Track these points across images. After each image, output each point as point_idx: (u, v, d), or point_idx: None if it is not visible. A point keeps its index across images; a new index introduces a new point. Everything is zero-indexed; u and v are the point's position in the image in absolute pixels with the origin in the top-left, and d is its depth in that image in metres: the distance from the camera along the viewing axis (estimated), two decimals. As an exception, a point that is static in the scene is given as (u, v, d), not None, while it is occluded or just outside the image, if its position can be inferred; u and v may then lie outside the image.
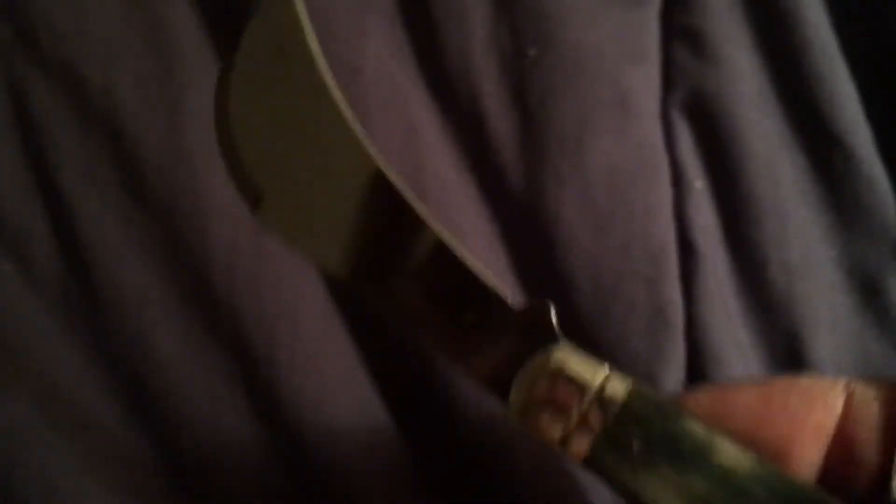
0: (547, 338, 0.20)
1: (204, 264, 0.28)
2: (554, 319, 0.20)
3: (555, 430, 0.19)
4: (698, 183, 0.29)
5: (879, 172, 0.29)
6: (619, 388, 0.19)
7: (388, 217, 0.21)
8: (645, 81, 0.30)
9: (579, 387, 0.19)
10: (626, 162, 0.28)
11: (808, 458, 0.18)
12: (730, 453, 0.18)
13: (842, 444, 0.18)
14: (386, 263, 0.21)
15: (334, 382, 0.27)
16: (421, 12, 0.30)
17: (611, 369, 0.20)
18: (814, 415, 0.18)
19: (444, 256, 0.21)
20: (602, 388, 0.19)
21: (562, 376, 0.19)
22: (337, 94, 0.21)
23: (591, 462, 0.19)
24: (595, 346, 0.27)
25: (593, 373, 0.19)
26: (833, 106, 0.29)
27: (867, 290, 0.29)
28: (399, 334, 0.28)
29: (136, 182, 0.28)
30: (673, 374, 0.27)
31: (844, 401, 0.18)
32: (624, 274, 0.28)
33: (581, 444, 0.19)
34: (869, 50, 0.31)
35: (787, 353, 0.29)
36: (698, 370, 0.28)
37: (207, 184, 0.28)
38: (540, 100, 0.29)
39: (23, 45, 0.29)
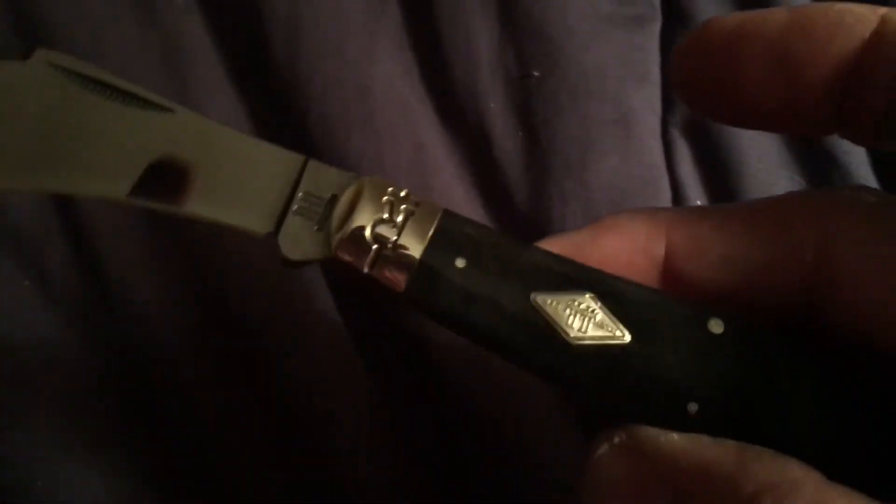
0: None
1: (219, 280, 0.28)
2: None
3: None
4: (698, 201, 0.30)
5: None
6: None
7: None
8: (646, 101, 0.30)
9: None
10: (629, 180, 0.29)
11: (819, 80, 0.18)
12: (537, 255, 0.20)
13: (859, 75, 0.17)
14: None
15: (343, 395, 0.28)
16: (428, 35, 0.31)
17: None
18: (836, 42, 0.17)
19: None
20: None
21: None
22: None
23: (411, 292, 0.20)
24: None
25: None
26: None
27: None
28: (403, 349, 0.29)
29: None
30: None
31: (875, 30, 0.17)
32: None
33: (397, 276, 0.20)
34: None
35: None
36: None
37: None
38: (544, 119, 0.29)
39: None
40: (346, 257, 0.20)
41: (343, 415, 0.27)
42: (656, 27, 0.31)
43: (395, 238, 0.20)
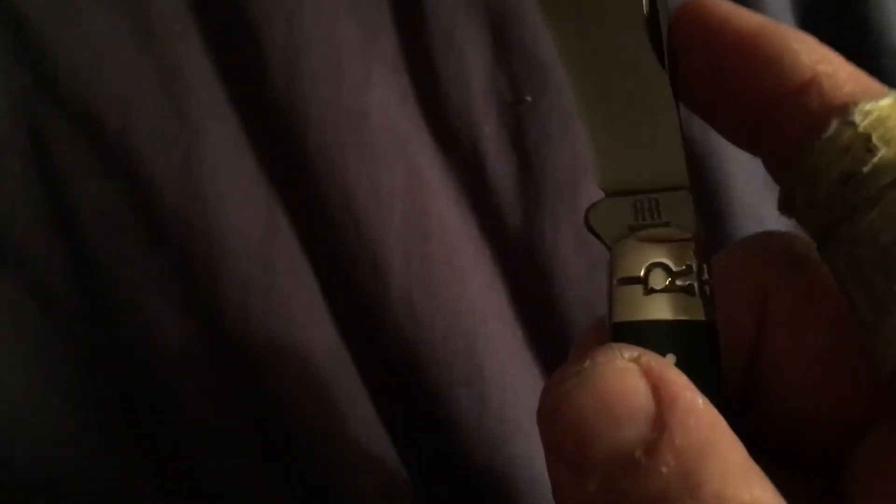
0: None
1: (218, 304, 0.29)
2: None
3: None
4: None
5: None
6: None
7: None
8: None
9: None
10: None
11: (746, 106, 0.17)
12: None
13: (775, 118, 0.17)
14: None
15: (343, 415, 0.28)
16: (423, 61, 0.31)
17: None
18: (767, 79, 0.17)
19: None
20: None
21: None
22: None
23: None
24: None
25: None
26: None
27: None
28: (404, 370, 0.29)
29: (151, 224, 0.29)
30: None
31: (809, 77, 0.16)
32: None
33: None
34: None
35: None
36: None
37: (220, 225, 0.29)
38: (536, 144, 0.30)
39: (44, 90, 0.30)
40: None
41: (345, 437, 0.28)
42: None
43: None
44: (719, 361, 0.17)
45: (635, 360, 0.15)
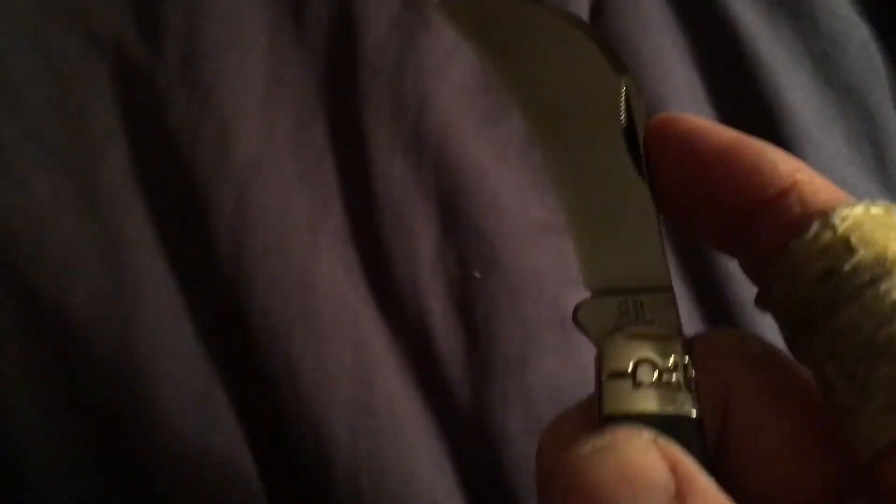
0: None
1: (149, 475, 0.27)
2: None
3: None
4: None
5: None
6: None
7: None
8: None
9: None
10: (569, 380, 0.30)
11: (723, 214, 0.18)
12: None
13: (753, 224, 0.18)
14: None
15: None
16: (371, 234, 0.32)
17: None
18: (746, 188, 0.18)
19: None
20: None
21: None
22: None
23: None
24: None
25: None
26: None
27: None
28: None
29: (81, 394, 0.28)
30: None
31: (783, 188, 0.17)
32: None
33: None
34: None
35: None
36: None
37: (157, 395, 0.28)
38: (485, 319, 0.30)
39: None
40: None
41: None
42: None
43: None
44: (706, 453, 0.17)
45: (653, 441, 0.16)
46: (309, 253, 0.31)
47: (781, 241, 0.17)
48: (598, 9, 0.35)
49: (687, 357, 0.18)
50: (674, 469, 0.15)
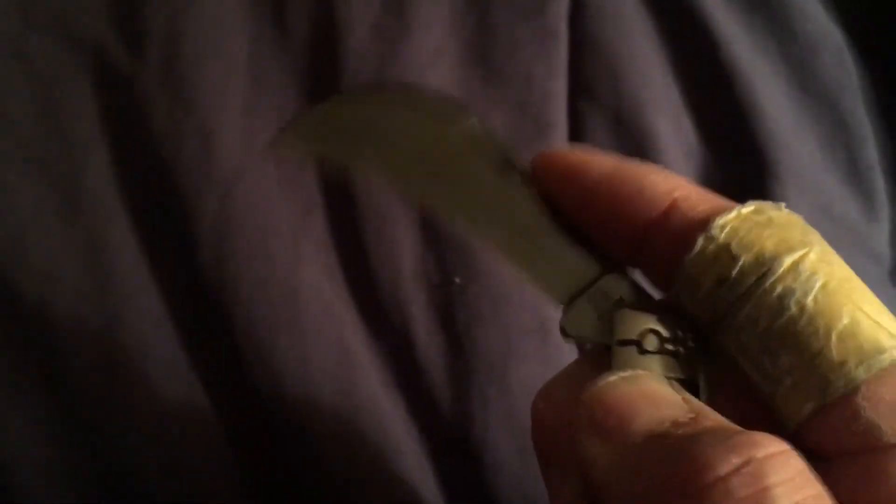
0: None
1: (132, 481, 0.27)
2: None
3: None
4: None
5: None
6: None
7: None
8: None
9: None
10: None
11: (619, 235, 0.20)
12: None
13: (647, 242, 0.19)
14: None
15: None
16: (353, 240, 0.32)
17: None
18: (632, 212, 0.19)
19: None
20: None
21: None
22: None
23: None
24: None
25: None
26: None
27: None
28: None
29: (63, 400, 0.28)
30: None
31: (666, 208, 0.19)
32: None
33: None
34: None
35: None
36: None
37: (139, 400, 0.28)
38: (466, 325, 0.31)
39: None
40: None
41: None
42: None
43: None
44: None
45: (668, 382, 0.18)
46: (292, 259, 0.31)
47: (675, 255, 0.19)
48: (577, 14, 0.35)
49: (686, 330, 0.19)
50: (686, 400, 0.17)
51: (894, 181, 0.36)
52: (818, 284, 0.17)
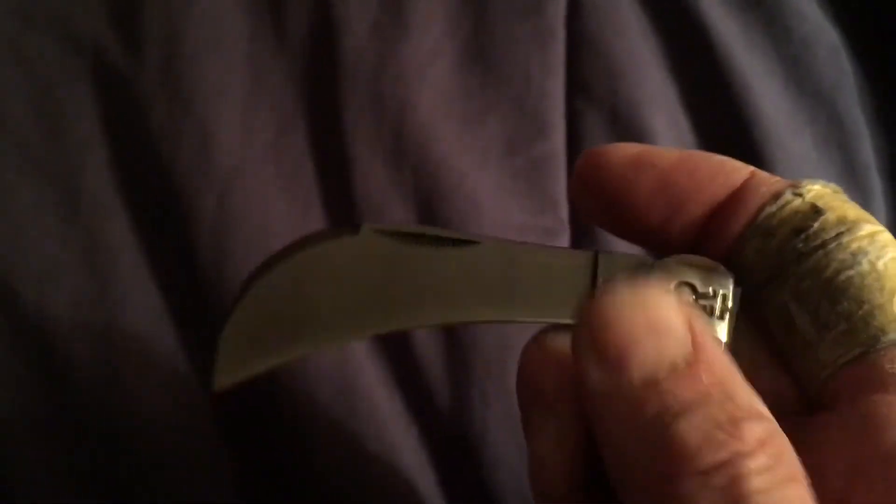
0: None
1: (130, 480, 0.27)
2: None
3: None
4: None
5: None
6: None
7: None
8: None
9: None
10: None
11: (692, 215, 0.21)
12: None
13: (722, 212, 0.20)
14: None
15: None
16: None
17: None
18: (713, 185, 0.20)
19: None
20: None
21: None
22: None
23: None
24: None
25: None
26: None
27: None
28: None
29: (62, 400, 0.28)
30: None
31: (744, 180, 0.20)
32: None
33: None
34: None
35: None
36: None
37: (138, 401, 0.28)
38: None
39: None
40: None
41: None
42: (565, 239, 0.33)
43: None
44: None
45: (677, 300, 0.18)
46: None
47: (750, 220, 0.20)
48: (574, 13, 0.35)
49: (722, 288, 0.20)
50: (689, 326, 0.17)
51: (890, 180, 0.36)
52: (890, 255, 0.19)
